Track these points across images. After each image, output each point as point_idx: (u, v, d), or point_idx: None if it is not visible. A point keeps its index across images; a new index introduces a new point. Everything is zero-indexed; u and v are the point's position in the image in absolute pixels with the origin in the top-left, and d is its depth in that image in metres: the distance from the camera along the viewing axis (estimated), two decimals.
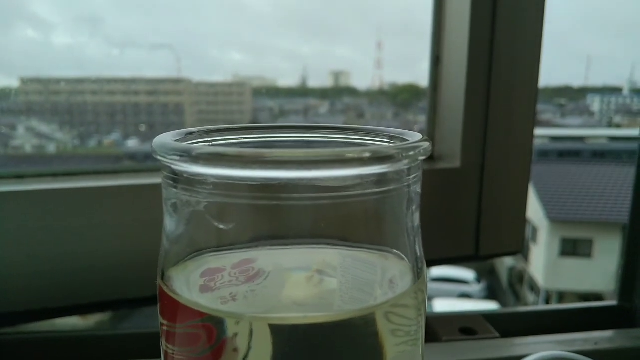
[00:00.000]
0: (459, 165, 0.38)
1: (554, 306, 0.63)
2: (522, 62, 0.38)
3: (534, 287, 7.14)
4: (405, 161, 0.15)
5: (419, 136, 0.17)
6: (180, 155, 0.14)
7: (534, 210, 6.45)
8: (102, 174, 0.34)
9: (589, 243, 6.58)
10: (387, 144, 0.19)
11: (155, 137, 0.17)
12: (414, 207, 0.17)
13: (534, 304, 6.54)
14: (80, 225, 0.31)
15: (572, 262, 6.65)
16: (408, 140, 0.17)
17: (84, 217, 0.31)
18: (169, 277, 0.17)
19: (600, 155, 7.77)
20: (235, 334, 0.15)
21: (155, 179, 0.33)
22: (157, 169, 0.34)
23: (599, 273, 6.25)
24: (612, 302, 0.40)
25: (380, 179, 0.15)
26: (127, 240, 0.32)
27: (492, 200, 0.39)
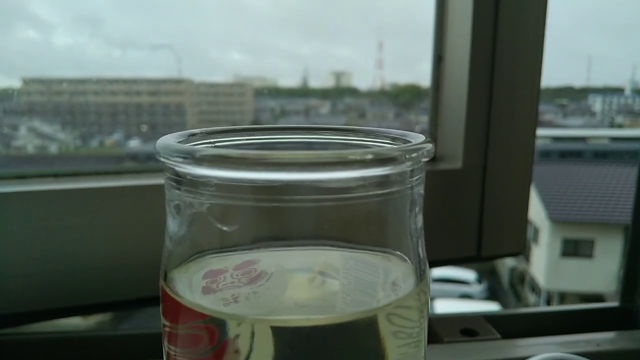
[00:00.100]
0: (460, 166, 0.38)
1: (556, 307, 0.63)
2: (524, 62, 0.38)
3: (535, 288, 7.14)
4: (408, 163, 0.15)
5: (421, 138, 0.17)
6: (184, 157, 0.14)
7: (536, 210, 6.44)
8: (104, 175, 0.34)
9: (591, 244, 6.57)
10: (389, 146, 0.19)
11: (157, 137, 0.17)
12: (416, 209, 0.17)
13: (535, 305, 6.54)
14: (82, 225, 0.31)
15: (573, 263, 6.64)
16: (411, 142, 0.17)
17: (85, 218, 0.31)
18: (171, 279, 0.17)
19: (602, 155, 7.76)
20: (237, 336, 0.15)
21: (158, 180, 0.33)
22: (159, 169, 0.34)
23: (600, 274, 6.25)
24: (614, 304, 0.40)
25: (383, 180, 0.15)
26: (129, 240, 0.32)
27: (493, 201, 0.39)
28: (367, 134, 0.20)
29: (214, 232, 0.16)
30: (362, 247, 0.17)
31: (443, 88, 0.40)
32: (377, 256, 0.17)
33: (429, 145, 0.16)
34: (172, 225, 0.17)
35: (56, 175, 0.33)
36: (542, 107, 0.42)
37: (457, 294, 6.68)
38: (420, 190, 0.17)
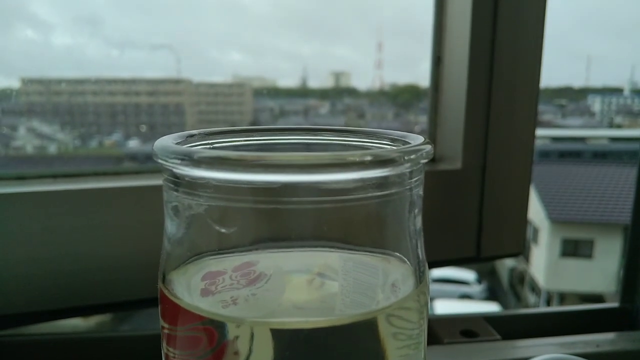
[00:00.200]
0: (460, 166, 0.38)
1: (556, 308, 0.63)
2: (523, 62, 0.38)
3: (534, 288, 7.14)
4: (407, 164, 0.15)
5: (421, 139, 0.17)
6: (182, 159, 0.14)
7: (535, 211, 6.45)
8: (104, 175, 0.34)
9: (590, 244, 6.57)
10: (389, 147, 0.19)
11: (156, 138, 0.17)
12: (416, 211, 0.17)
13: (534, 305, 6.54)
14: (82, 226, 0.31)
15: (573, 263, 6.64)
16: (410, 143, 0.17)
17: (85, 219, 0.31)
18: (169, 281, 0.17)
19: (601, 155, 7.77)
20: (236, 338, 0.15)
21: (157, 181, 0.33)
22: (159, 170, 0.34)
23: (600, 274, 6.25)
24: (613, 304, 0.40)
25: (382, 182, 0.15)
26: (129, 241, 0.32)
27: (493, 201, 0.39)
28: (367, 135, 0.20)
29: (212, 234, 0.16)
30: (361, 248, 0.17)
31: (442, 88, 0.40)
32: (376, 258, 0.17)
33: (428, 147, 0.16)
34: (171, 226, 0.17)
35: (55, 176, 0.33)
36: (541, 108, 0.42)
37: (457, 295, 6.69)
38: (420, 191, 0.17)
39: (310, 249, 0.16)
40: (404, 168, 0.15)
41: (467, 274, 7.05)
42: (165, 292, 0.16)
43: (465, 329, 0.34)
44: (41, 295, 0.31)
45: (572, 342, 0.33)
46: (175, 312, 0.16)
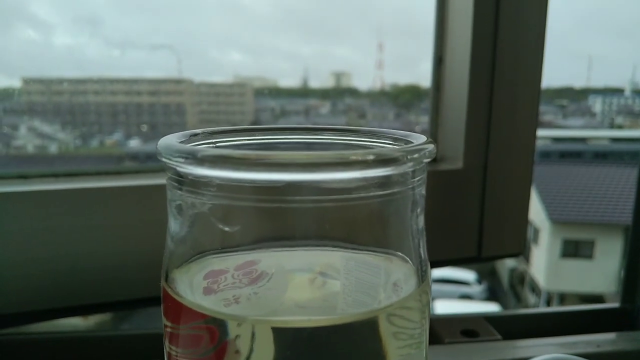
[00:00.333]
0: (461, 166, 0.38)
1: (556, 308, 0.63)
2: (524, 63, 0.38)
3: (535, 289, 7.14)
4: (410, 164, 0.15)
5: (423, 138, 0.17)
6: (186, 158, 0.14)
7: (536, 211, 6.44)
8: (105, 175, 0.34)
9: (591, 244, 6.57)
10: (391, 146, 0.19)
11: (157, 137, 0.17)
12: (418, 210, 0.17)
13: (535, 306, 6.54)
14: (83, 225, 0.31)
15: (573, 264, 6.64)
16: (412, 143, 0.17)
17: (85, 218, 0.31)
18: (172, 279, 0.17)
19: (602, 156, 7.76)
20: (238, 336, 0.15)
21: (159, 180, 0.33)
22: (160, 169, 0.34)
23: (600, 274, 6.25)
24: (614, 305, 0.40)
25: (385, 181, 0.15)
26: (129, 240, 0.32)
27: (494, 201, 0.39)
28: (369, 134, 0.20)
29: (215, 233, 0.16)
30: (364, 247, 0.17)
31: (444, 88, 0.40)
32: (379, 257, 0.17)
33: (431, 146, 0.16)
34: (174, 225, 0.17)
35: (56, 175, 0.33)
36: (542, 108, 0.42)
37: (457, 295, 6.68)
38: (422, 191, 0.17)
39: (312, 248, 0.16)
40: (407, 167, 0.15)
41: (467, 274, 7.05)
42: (168, 290, 0.16)
43: (466, 328, 0.34)
44: (42, 294, 0.31)
45: (573, 342, 0.33)
46: (177, 311, 0.16)
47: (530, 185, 0.40)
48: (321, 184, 0.14)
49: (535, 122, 0.39)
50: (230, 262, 0.17)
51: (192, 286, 0.17)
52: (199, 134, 0.18)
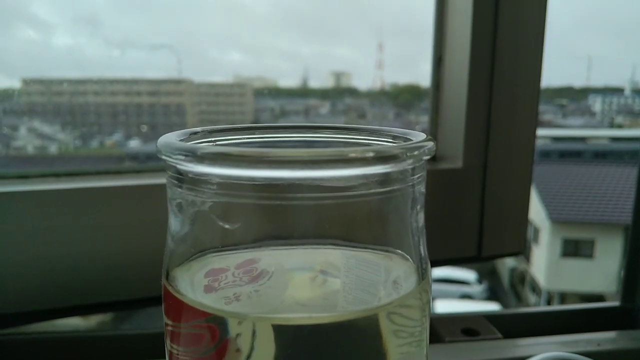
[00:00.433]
0: (461, 165, 0.38)
1: (557, 307, 0.63)
2: (524, 62, 0.38)
3: (535, 288, 7.13)
4: (410, 161, 0.15)
5: (422, 136, 0.17)
6: (185, 155, 0.14)
7: (536, 211, 6.44)
8: (105, 174, 0.34)
9: (591, 244, 6.57)
10: (390, 144, 0.19)
11: (157, 138, 0.17)
12: (418, 207, 0.17)
13: (535, 305, 6.53)
14: (83, 225, 0.31)
15: (573, 263, 6.64)
16: (412, 140, 0.17)
17: (86, 217, 0.31)
18: (173, 277, 0.17)
19: (601, 155, 7.76)
20: (239, 334, 0.15)
21: (159, 179, 0.33)
22: (161, 169, 0.34)
23: (600, 274, 6.24)
24: (614, 303, 0.40)
25: (384, 178, 0.15)
26: (130, 240, 0.32)
27: (494, 200, 0.39)
28: (368, 132, 0.20)
29: (215, 231, 0.16)
30: (364, 245, 0.17)
31: (443, 88, 0.40)
32: (379, 255, 0.17)
33: (430, 143, 0.16)
34: (174, 223, 0.17)
35: (57, 175, 0.33)
36: (542, 107, 0.42)
37: (458, 295, 6.68)
38: (422, 188, 0.17)
39: (312, 246, 0.16)
40: (406, 164, 0.15)
41: (467, 274, 7.04)
42: (169, 288, 0.16)
43: (467, 327, 0.34)
44: (42, 293, 0.31)
45: (573, 340, 0.33)
46: (178, 309, 0.16)
47: (530, 184, 0.40)
48: (321, 181, 0.14)
49: (535, 122, 0.39)
50: (231, 260, 0.17)
51: (193, 284, 0.17)
52: (198, 132, 0.18)
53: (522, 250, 0.41)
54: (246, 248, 0.17)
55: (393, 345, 0.16)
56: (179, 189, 0.16)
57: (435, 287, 6.50)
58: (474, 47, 0.37)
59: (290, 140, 0.21)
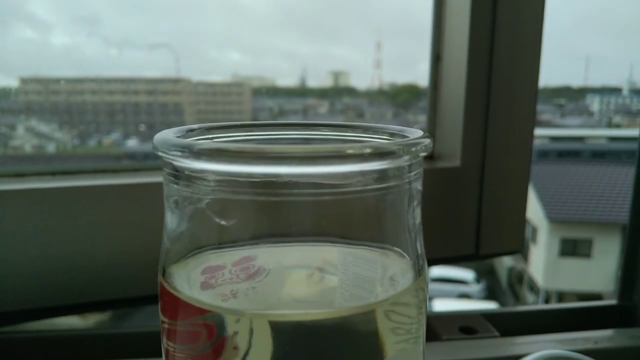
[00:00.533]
0: (459, 164, 0.38)
1: (554, 305, 0.63)
2: (522, 62, 0.38)
3: (533, 287, 7.15)
4: (406, 157, 0.15)
5: (419, 133, 0.17)
6: (182, 151, 0.14)
7: (534, 210, 6.45)
8: (102, 173, 0.34)
9: (589, 243, 6.59)
10: (387, 141, 0.19)
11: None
12: (415, 204, 0.17)
13: (533, 304, 6.54)
14: (80, 223, 0.31)
15: (571, 262, 6.65)
16: (409, 137, 0.17)
17: (83, 216, 0.31)
18: (169, 274, 0.17)
19: (599, 155, 7.79)
20: (236, 332, 0.15)
21: (156, 178, 0.33)
22: (158, 167, 0.34)
23: (598, 273, 6.26)
24: (612, 301, 0.40)
25: (381, 175, 0.15)
26: (127, 238, 0.32)
27: (492, 199, 0.39)
28: (365, 129, 0.20)
29: (212, 227, 0.16)
30: (360, 242, 0.17)
31: (441, 87, 0.40)
32: (375, 252, 0.17)
33: (427, 140, 0.16)
34: (171, 220, 0.17)
35: (54, 174, 0.33)
36: (540, 107, 0.42)
37: (456, 294, 6.69)
38: (418, 185, 0.17)
39: (309, 243, 0.16)
40: (403, 161, 0.15)
41: (465, 273, 7.05)
42: (166, 285, 0.16)
43: (464, 325, 0.34)
44: (40, 292, 0.31)
45: (571, 338, 0.33)
46: (175, 306, 0.16)
47: (528, 183, 0.40)
48: (318, 178, 0.14)
49: (533, 121, 0.39)
50: (228, 258, 0.17)
51: (189, 281, 0.17)
52: (195, 129, 0.18)
53: (520, 248, 0.41)
54: (243, 245, 0.17)
55: (390, 342, 0.16)
56: (176, 186, 0.16)
57: (433, 286, 6.51)
58: (472, 45, 0.37)
59: (287, 137, 0.21)
